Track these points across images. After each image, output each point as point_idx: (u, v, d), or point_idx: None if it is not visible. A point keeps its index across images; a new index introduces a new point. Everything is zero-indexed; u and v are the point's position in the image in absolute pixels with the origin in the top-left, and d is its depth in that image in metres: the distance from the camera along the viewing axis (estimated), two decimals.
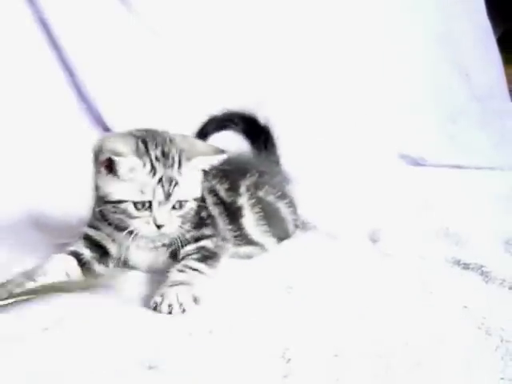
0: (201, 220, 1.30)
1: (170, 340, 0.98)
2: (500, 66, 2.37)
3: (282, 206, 1.48)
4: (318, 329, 1.02)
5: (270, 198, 1.45)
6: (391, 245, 1.42)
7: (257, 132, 1.73)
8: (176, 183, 1.16)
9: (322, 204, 1.64)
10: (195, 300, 1.12)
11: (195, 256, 1.24)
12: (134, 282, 1.22)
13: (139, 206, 1.16)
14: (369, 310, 1.09)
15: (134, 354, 0.92)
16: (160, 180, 1.15)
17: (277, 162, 1.68)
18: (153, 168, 1.15)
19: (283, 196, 1.49)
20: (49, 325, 1.01)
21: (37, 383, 0.85)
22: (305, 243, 1.46)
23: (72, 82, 1.88)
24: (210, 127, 1.67)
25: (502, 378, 0.87)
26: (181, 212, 1.20)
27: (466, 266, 1.26)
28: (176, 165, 1.18)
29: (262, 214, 1.40)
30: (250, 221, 1.39)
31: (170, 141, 1.21)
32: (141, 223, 1.17)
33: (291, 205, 1.52)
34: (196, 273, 1.19)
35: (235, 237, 1.36)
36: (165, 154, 1.17)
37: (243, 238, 1.37)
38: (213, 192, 1.38)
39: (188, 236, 1.25)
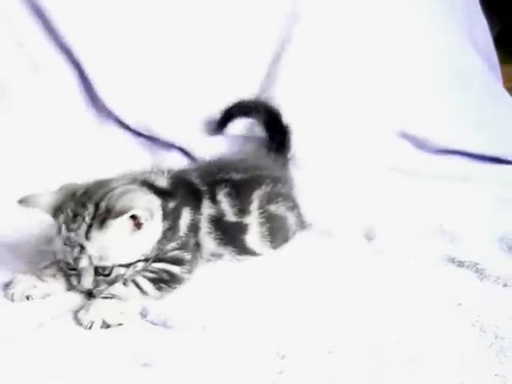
0: (184, 244, 1.23)
1: (164, 337, 0.98)
2: (496, 63, 2.38)
3: (289, 216, 1.43)
4: (313, 326, 1.02)
5: (281, 211, 1.41)
6: (386, 242, 1.41)
7: (277, 128, 1.74)
8: (81, 248, 1.08)
9: (316, 202, 1.64)
10: (121, 314, 1.04)
11: (150, 275, 1.15)
12: None
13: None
14: (363, 308, 1.08)
15: (128, 350, 0.92)
16: (65, 243, 1.10)
17: (285, 165, 1.67)
18: (59, 230, 1.11)
19: (293, 207, 1.46)
20: (44, 321, 1.01)
21: (31, 380, 0.85)
22: (300, 241, 1.45)
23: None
24: (235, 110, 1.70)
25: (496, 375, 0.87)
26: (108, 278, 1.11)
27: (461, 264, 1.25)
28: (83, 228, 1.09)
29: (269, 229, 1.36)
30: (254, 237, 1.34)
31: (102, 198, 1.12)
32: (73, 279, 1.13)
33: (298, 214, 1.48)
34: (138, 292, 1.11)
35: (233, 251, 1.32)
36: (75, 216, 1.10)
37: (242, 251, 1.33)
38: (214, 221, 1.30)
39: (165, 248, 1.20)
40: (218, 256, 1.31)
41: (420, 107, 2.05)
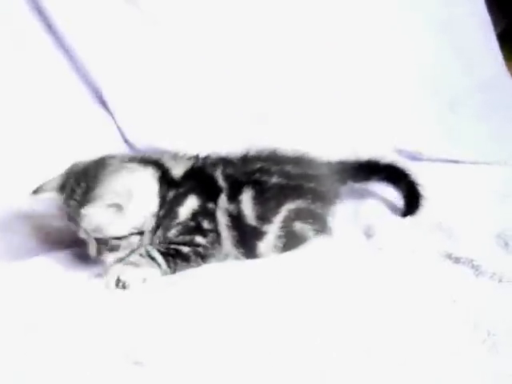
0: (198, 228, 1.29)
1: (156, 334, 0.98)
2: (501, 59, 2.35)
3: (310, 236, 1.36)
4: (305, 324, 1.01)
5: (305, 231, 1.34)
6: (384, 239, 1.41)
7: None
8: (77, 222, 1.21)
9: None
10: (144, 280, 1.20)
11: (162, 250, 1.26)
12: None
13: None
14: (357, 304, 1.08)
15: (119, 348, 0.93)
16: (68, 219, 1.23)
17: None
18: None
19: (319, 229, 1.37)
20: (34, 320, 1.02)
21: (21, 379, 0.86)
22: None
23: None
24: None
25: (488, 371, 0.87)
26: (107, 247, 1.24)
27: (457, 260, 1.25)
28: (74, 205, 1.21)
29: (285, 244, 1.32)
30: (267, 246, 1.32)
31: (94, 176, 1.21)
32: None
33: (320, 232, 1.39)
34: (151, 262, 1.24)
35: (242, 253, 1.32)
36: (72, 192, 1.22)
37: (250, 255, 1.32)
38: (231, 216, 1.32)
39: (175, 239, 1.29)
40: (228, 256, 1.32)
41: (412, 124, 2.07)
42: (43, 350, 0.94)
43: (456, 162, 1.99)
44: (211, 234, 1.30)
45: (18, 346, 0.94)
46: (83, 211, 1.16)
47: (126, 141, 1.84)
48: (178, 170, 1.33)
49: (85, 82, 1.83)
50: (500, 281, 1.15)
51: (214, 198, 1.32)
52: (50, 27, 1.78)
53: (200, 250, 1.27)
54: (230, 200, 1.31)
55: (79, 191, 1.20)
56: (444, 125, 2.09)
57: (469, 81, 2.19)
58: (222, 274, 1.23)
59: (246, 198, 1.31)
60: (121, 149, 1.77)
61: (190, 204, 1.30)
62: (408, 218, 1.54)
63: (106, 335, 0.98)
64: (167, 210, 1.28)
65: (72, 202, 1.20)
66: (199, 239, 1.28)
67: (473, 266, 1.21)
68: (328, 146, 1.85)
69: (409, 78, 2.13)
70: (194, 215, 1.29)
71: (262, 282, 1.19)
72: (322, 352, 0.93)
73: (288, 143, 1.52)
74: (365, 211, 1.62)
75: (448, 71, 2.18)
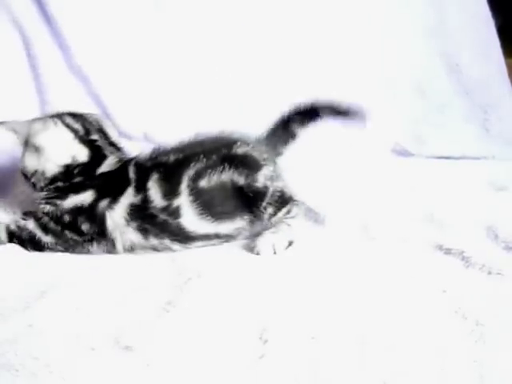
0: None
1: (146, 319, 0.99)
2: (500, 57, 2.34)
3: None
4: (296, 311, 1.03)
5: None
6: (377, 229, 1.43)
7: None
8: None
9: (311, 190, 1.65)
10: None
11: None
12: None
13: None
14: (347, 293, 1.10)
15: (109, 332, 0.94)
16: None
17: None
18: None
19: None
20: (30, 300, 1.03)
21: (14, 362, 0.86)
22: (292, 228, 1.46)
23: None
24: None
25: (474, 361, 0.88)
26: None
27: (448, 251, 1.26)
28: None
29: (206, 202, 1.34)
30: (191, 216, 1.33)
31: None
32: None
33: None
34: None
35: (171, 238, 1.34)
36: None
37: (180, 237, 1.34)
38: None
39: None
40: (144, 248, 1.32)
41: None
42: (37, 328, 0.95)
43: (447, 158, 2.02)
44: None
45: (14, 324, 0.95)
46: None
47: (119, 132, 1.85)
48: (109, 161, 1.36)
49: (75, 72, 1.85)
50: (489, 273, 1.16)
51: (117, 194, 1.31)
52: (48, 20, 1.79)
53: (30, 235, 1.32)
54: (137, 191, 1.31)
55: None
56: (432, 123, 2.11)
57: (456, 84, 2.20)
58: (228, 270, 1.24)
59: (152, 183, 1.32)
60: None
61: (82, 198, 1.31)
62: (400, 209, 1.56)
63: (96, 317, 0.99)
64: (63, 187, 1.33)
65: None
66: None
67: (463, 258, 1.23)
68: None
69: (398, 80, 2.15)
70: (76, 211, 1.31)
71: (249, 269, 1.22)
72: (308, 342, 0.94)
73: None
74: (358, 201, 1.64)
75: (436, 74, 2.20)
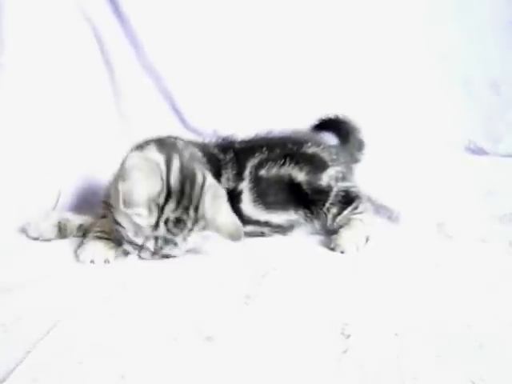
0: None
1: (228, 311, 1.00)
2: None
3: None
4: (380, 307, 1.02)
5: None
6: (454, 228, 1.40)
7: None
8: (175, 244, 1.19)
9: (385, 188, 1.63)
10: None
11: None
12: None
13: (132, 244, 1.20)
14: (431, 291, 1.08)
15: (191, 323, 0.95)
16: (156, 238, 1.17)
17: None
18: (156, 226, 1.16)
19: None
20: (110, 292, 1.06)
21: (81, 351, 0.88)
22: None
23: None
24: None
25: None
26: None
27: None
28: (184, 232, 1.19)
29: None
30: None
31: (198, 204, 1.19)
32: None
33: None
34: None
35: None
36: (178, 221, 1.17)
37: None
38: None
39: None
40: None
41: None
42: (115, 318, 0.96)
43: None
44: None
45: (92, 316, 0.98)
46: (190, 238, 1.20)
47: (185, 126, 1.90)
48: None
49: (147, 69, 1.89)
50: None
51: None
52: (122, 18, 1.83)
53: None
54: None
55: (183, 222, 1.18)
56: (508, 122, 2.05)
57: None
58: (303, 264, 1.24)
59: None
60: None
61: None
62: (477, 208, 1.52)
63: (179, 307, 1.00)
64: None
65: (174, 231, 1.18)
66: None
67: None
68: None
69: (473, 76, 2.11)
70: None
71: (329, 266, 1.21)
72: (391, 337, 0.92)
73: None
74: (434, 200, 1.61)
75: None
